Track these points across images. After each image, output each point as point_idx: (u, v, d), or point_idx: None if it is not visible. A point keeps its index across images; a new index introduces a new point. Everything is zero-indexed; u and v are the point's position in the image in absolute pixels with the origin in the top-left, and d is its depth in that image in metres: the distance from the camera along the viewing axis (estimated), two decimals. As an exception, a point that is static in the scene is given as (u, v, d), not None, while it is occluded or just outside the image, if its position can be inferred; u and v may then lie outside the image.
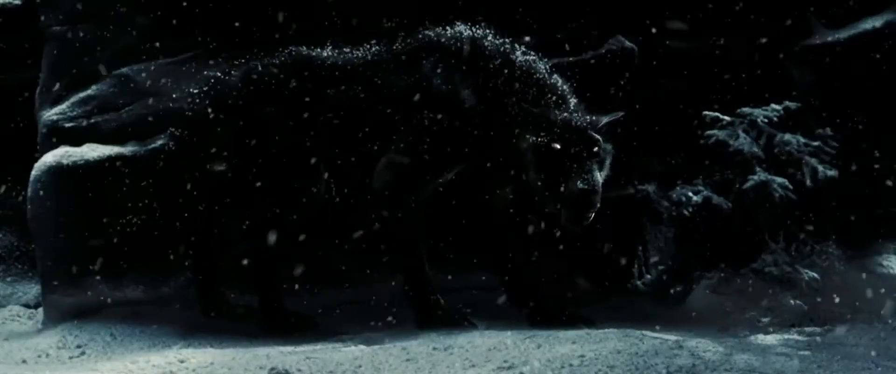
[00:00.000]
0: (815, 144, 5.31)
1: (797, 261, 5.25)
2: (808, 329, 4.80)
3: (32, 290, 6.24)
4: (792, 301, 5.08)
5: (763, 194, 5.23)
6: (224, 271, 5.25)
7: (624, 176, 5.38)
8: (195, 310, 5.21)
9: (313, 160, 4.99)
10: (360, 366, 4.06)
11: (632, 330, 4.39)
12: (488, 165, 4.82)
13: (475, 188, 4.92)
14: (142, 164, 5.39)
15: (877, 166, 5.71)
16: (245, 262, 5.11)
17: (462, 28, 4.95)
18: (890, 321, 4.83)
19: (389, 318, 5.02)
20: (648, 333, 4.36)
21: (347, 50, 5.13)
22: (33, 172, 5.45)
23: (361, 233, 5.25)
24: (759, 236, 5.31)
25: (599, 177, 4.55)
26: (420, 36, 5.01)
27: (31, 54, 6.14)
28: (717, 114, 5.38)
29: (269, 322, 5.06)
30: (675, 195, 5.44)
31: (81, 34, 5.66)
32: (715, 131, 5.36)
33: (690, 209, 5.36)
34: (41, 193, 5.38)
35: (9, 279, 6.46)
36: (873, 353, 4.18)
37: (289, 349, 4.49)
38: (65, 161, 5.40)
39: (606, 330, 4.45)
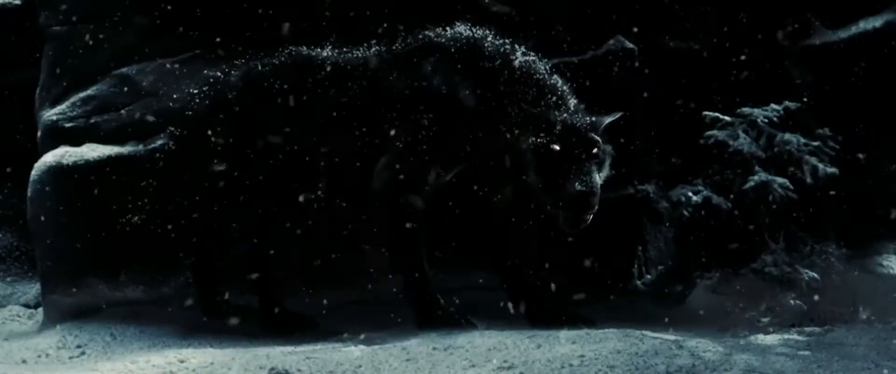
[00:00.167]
0: (815, 143, 5.31)
1: (797, 261, 5.25)
2: (808, 329, 4.80)
3: (32, 290, 6.24)
4: (792, 301, 5.08)
5: (763, 194, 5.23)
6: (224, 271, 5.25)
7: (624, 176, 5.37)
8: (195, 310, 5.21)
9: (313, 160, 4.99)
10: (360, 366, 4.07)
11: (632, 330, 4.39)
12: (488, 165, 4.81)
13: (475, 188, 4.91)
14: (142, 164, 5.39)
15: (877, 167, 5.70)
16: (245, 262, 5.12)
17: (462, 29, 4.95)
18: (890, 321, 4.83)
19: (389, 318, 5.01)
20: (648, 333, 4.36)
21: (347, 50, 5.14)
22: (33, 173, 5.46)
23: (361, 233, 5.25)
24: (759, 236, 5.31)
25: (598, 179, 4.54)
26: (420, 36, 5.01)
27: (31, 54, 6.14)
28: (717, 114, 5.38)
29: (269, 322, 5.06)
30: (674, 195, 5.44)
31: (81, 34, 5.66)
32: (715, 131, 5.35)
33: (690, 209, 5.35)
34: (41, 193, 5.39)
35: (9, 279, 6.46)
36: (873, 353, 4.18)
37: (289, 349, 4.49)
38: (65, 161, 5.40)
39: (606, 330, 4.44)
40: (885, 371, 3.87)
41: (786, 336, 4.63)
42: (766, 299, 5.13)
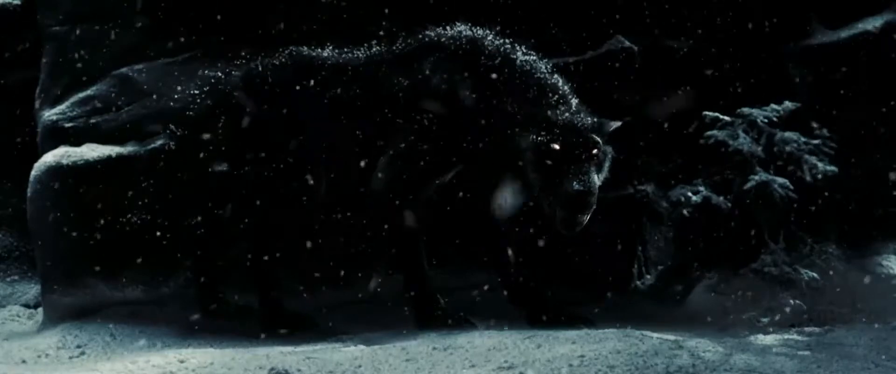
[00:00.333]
0: (815, 141, 5.31)
1: (797, 261, 5.25)
2: (807, 329, 4.80)
3: (32, 290, 6.24)
4: (792, 301, 5.07)
5: (763, 193, 5.23)
6: (224, 271, 5.25)
7: (624, 176, 5.37)
8: (195, 310, 5.21)
9: (313, 160, 5.00)
10: (360, 366, 4.07)
11: (632, 330, 4.39)
12: (488, 165, 4.81)
13: (475, 188, 4.91)
14: (141, 164, 5.39)
15: (877, 166, 5.70)
16: (245, 262, 5.12)
17: (462, 28, 4.95)
18: (890, 321, 4.83)
19: (389, 318, 5.01)
20: (648, 333, 4.36)
21: (348, 50, 5.14)
22: (33, 172, 5.46)
23: (361, 233, 5.25)
24: (759, 236, 5.31)
25: (596, 179, 4.53)
26: (420, 36, 5.01)
27: (31, 54, 6.14)
28: (716, 114, 5.37)
29: (269, 322, 5.06)
30: (674, 195, 5.43)
31: (81, 34, 5.67)
32: (715, 132, 5.35)
33: (690, 209, 5.35)
34: (41, 193, 5.38)
35: (9, 279, 6.46)
36: (873, 353, 4.18)
37: (289, 349, 4.50)
38: (65, 161, 5.40)
39: (606, 330, 4.44)
40: (886, 371, 3.88)
41: (785, 336, 4.63)
42: (766, 299, 5.13)
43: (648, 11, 5.72)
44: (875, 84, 5.74)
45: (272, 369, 4.01)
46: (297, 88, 5.03)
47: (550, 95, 4.70)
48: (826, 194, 5.42)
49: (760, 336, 4.63)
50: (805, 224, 5.42)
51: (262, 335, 4.91)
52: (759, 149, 5.30)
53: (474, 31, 4.93)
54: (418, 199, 4.85)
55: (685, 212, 5.37)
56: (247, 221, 5.13)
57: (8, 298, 6.33)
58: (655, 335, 4.34)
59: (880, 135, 5.73)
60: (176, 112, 5.35)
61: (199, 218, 5.21)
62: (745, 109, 5.39)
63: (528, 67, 4.78)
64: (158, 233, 5.29)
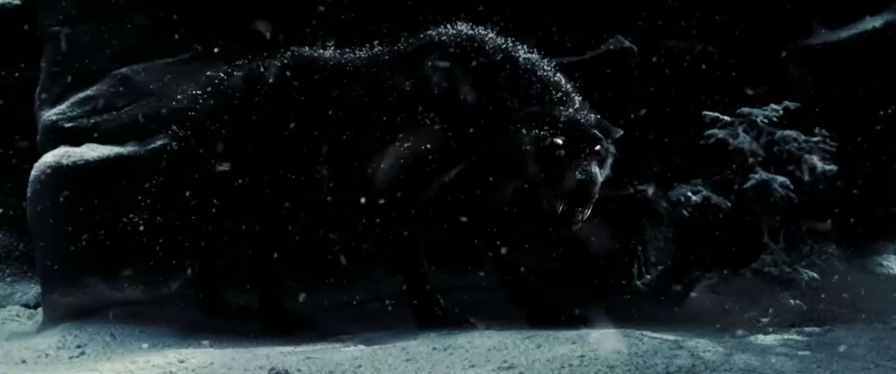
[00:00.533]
0: (816, 139, 5.31)
1: (797, 261, 5.25)
2: (807, 329, 4.80)
3: (32, 290, 6.24)
4: (792, 301, 5.07)
5: (763, 193, 5.23)
6: (224, 271, 5.25)
7: (624, 176, 5.37)
8: (195, 310, 5.21)
9: (314, 161, 5.00)
10: (360, 366, 4.06)
11: (632, 330, 4.39)
12: (490, 164, 4.81)
13: (475, 188, 4.91)
14: (142, 164, 5.39)
15: (877, 166, 5.70)
16: (245, 262, 5.12)
17: (463, 27, 4.95)
18: (890, 321, 4.83)
19: (389, 318, 5.01)
20: (648, 333, 4.36)
21: (349, 50, 5.14)
22: (33, 172, 5.46)
23: (361, 233, 5.25)
24: (759, 236, 5.31)
25: (599, 173, 4.53)
26: (421, 36, 5.01)
27: (31, 54, 6.14)
28: (716, 114, 5.38)
29: (269, 322, 5.07)
30: (674, 195, 5.43)
31: (81, 34, 5.67)
32: (715, 130, 5.35)
33: (690, 209, 5.35)
34: (41, 193, 5.39)
35: (9, 279, 6.46)
36: (873, 353, 4.18)
37: (289, 349, 4.50)
38: (65, 161, 5.40)
39: (606, 330, 4.44)
40: (886, 371, 3.88)
41: (785, 336, 4.63)
42: (766, 299, 5.13)
43: (648, 11, 5.72)
44: (875, 84, 5.74)
45: (272, 369, 4.01)
46: (299, 88, 5.03)
47: (553, 92, 4.71)
48: (826, 193, 5.42)
49: (760, 336, 4.63)
50: (805, 224, 5.42)
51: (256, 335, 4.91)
52: (760, 148, 5.30)
53: (475, 30, 4.93)
54: (420, 198, 4.85)
55: (685, 212, 5.37)
56: (247, 221, 5.13)
57: (8, 298, 6.33)
58: (655, 335, 4.34)
59: (880, 135, 5.73)
60: (176, 112, 5.35)
61: (200, 218, 5.21)
62: (745, 109, 5.39)
63: (531, 65, 4.79)
64: (158, 233, 5.29)
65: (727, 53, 5.76)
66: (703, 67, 5.72)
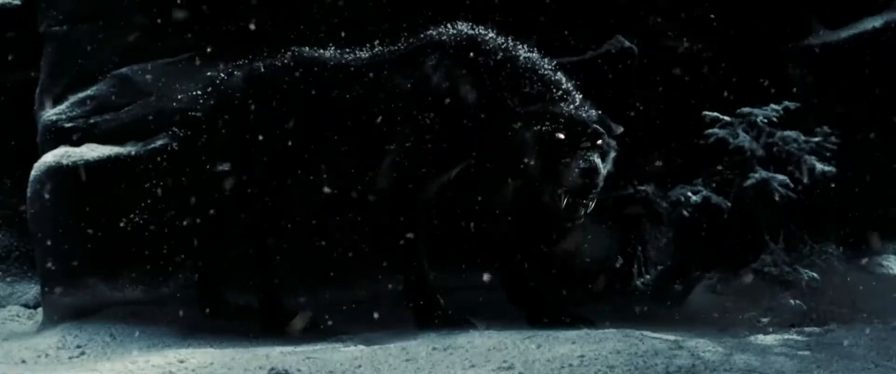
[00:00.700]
0: (815, 140, 5.31)
1: (797, 261, 5.25)
2: (807, 329, 4.80)
3: (32, 290, 6.24)
4: (792, 301, 5.07)
5: (763, 192, 5.23)
6: (224, 271, 5.25)
7: (624, 176, 5.37)
8: (195, 310, 5.21)
9: (315, 161, 5.00)
10: (360, 366, 4.06)
11: (632, 330, 4.39)
12: (490, 163, 4.81)
13: (475, 188, 4.91)
14: (141, 164, 5.39)
15: (877, 166, 5.70)
16: (245, 262, 5.12)
17: (463, 27, 4.95)
18: (890, 321, 4.83)
19: (389, 318, 5.01)
20: (648, 333, 4.36)
21: (350, 50, 5.14)
22: (33, 172, 5.45)
23: (361, 233, 5.25)
24: (758, 236, 5.31)
25: (601, 165, 4.53)
26: (421, 36, 5.02)
27: (31, 54, 6.14)
28: (716, 114, 5.38)
29: (269, 322, 5.06)
30: (674, 195, 5.43)
31: (81, 34, 5.67)
32: (715, 130, 5.35)
33: (690, 209, 5.35)
34: (41, 193, 5.38)
35: (8, 279, 6.46)
36: (873, 353, 4.18)
37: (289, 349, 4.49)
38: (65, 161, 5.40)
39: (606, 330, 4.44)
40: (885, 371, 3.88)
41: (785, 336, 4.63)
42: (766, 299, 5.13)
43: (648, 11, 5.72)
44: (875, 84, 5.74)
45: (272, 369, 4.00)
46: (299, 88, 5.03)
47: (554, 90, 4.71)
48: (826, 194, 5.42)
49: (760, 336, 4.63)
50: (805, 224, 5.42)
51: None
52: (760, 147, 5.30)
53: (475, 29, 4.93)
54: (420, 199, 4.85)
55: (685, 212, 5.37)
56: (248, 221, 5.13)
57: (8, 298, 6.33)
58: (655, 335, 4.34)
59: (880, 135, 5.72)
60: (177, 112, 5.35)
61: (200, 218, 5.21)
62: (745, 109, 5.39)
63: (531, 64, 4.80)
64: (158, 233, 5.29)
65: (727, 53, 5.76)
66: (704, 67, 5.72)
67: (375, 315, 5.10)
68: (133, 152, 5.44)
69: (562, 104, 4.63)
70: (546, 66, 4.82)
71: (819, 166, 5.20)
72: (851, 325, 4.83)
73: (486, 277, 5.11)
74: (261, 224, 5.11)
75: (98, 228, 5.32)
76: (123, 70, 5.60)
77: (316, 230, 5.28)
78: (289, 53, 5.16)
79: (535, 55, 4.85)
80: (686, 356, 3.93)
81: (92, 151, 5.45)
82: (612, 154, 4.68)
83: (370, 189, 4.94)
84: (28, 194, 5.46)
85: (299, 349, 4.49)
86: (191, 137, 5.23)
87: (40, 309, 5.65)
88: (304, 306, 5.24)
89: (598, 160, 4.49)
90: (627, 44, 5.61)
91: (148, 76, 5.56)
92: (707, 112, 5.40)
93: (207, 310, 5.18)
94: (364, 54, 5.11)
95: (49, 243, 5.37)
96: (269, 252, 5.12)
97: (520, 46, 4.86)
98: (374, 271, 5.37)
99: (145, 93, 5.55)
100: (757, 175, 5.24)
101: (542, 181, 4.60)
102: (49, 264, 5.38)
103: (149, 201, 5.32)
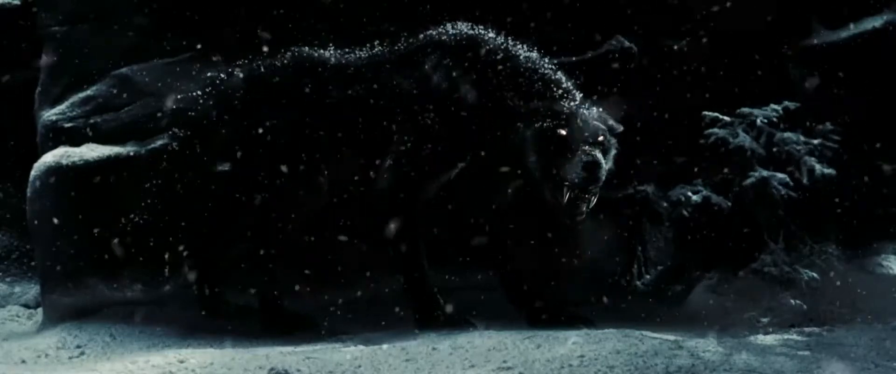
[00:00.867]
0: (816, 141, 5.31)
1: (797, 261, 5.24)
2: (807, 329, 4.80)
3: (32, 290, 6.24)
4: (792, 301, 5.07)
5: (763, 191, 5.22)
6: (224, 271, 5.25)
7: (624, 176, 5.37)
8: (195, 310, 5.21)
9: (315, 161, 5.00)
10: (360, 366, 4.06)
11: (632, 330, 4.39)
12: (491, 163, 4.82)
13: (475, 188, 4.91)
14: (141, 164, 5.39)
15: (877, 167, 5.70)
16: (245, 262, 5.12)
17: (463, 27, 4.96)
18: (890, 321, 4.83)
19: (389, 318, 5.01)
20: (648, 333, 4.36)
21: (350, 50, 5.14)
22: (33, 173, 5.45)
23: (361, 233, 5.25)
24: (758, 236, 5.30)
25: (603, 161, 4.53)
26: (421, 36, 5.02)
27: (31, 54, 6.14)
28: (716, 114, 5.38)
29: (269, 322, 5.06)
30: (674, 195, 5.43)
31: (81, 34, 5.66)
32: (715, 129, 5.35)
33: (690, 209, 5.35)
34: (41, 193, 5.38)
35: (8, 279, 6.46)
36: (873, 353, 4.18)
37: (289, 349, 4.50)
38: (64, 161, 5.40)
39: (606, 330, 4.44)
40: (885, 371, 3.87)
41: (785, 336, 4.63)
42: (766, 299, 5.13)
43: (648, 11, 5.72)
44: (875, 84, 5.73)
45: (272, 369, 4.00)
46: (300, 88, 5.03)
47: (555, 89, 4.73)
48: (826, 193, 5.41)
49: (760, 336, 4.63)
50: (805, 224, 5.41)
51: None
52: (760, 147, 5.30)
53: (476, 29, 4.94)
54: (420, 199, 4.85)
55: (685, 212, 5.37)
56: (248, 221, 5.13)
57: (8, 298, 6.33)
58: (655, 335, 4.34)
59: (880, 135, 5.72)
60: (177, 112, 5.35)
61: (200, 218, 5.20)
62: (745, 109, 5.39)
63: (531, 64, 4.81)
64: (158, 233, 5.29)
65: (727, 53, 5.76)
66: (703, 67, 5.72)
67: (375, 315, 5.10)
68: (133, 152, 5.44)
69: (562, 102, 4.64)
70: (546, 65, 4.84)
71: (819, 168, 5.19)
72: (851, 325, 4.83)
73: (485, 277, 5.11)
74: (261, 224, 5.11)
75: (98, 228, 5.32)
76: (123, 70, 5.60)
77: (316, 230, 5.27)
78: (289, 53, 5.16)
79: (535, 55, 4.86)
80: (686, 356, 3.93)
81: (92, 151, 5.45)
82: (613, 152, 4.69)
83: (370, 189, 4.94)
84: (28, 195, 5.46)
85: (299, 349, 4.50)
86: (191, 137, 5.23)
87: (40, 309, 5.65)
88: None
89: (599, 155, 4.50)
90: (627, 44, 5.61)
91: (148, 76, 5.56)
92: (707, 112, 5.39)
93: (207, 310, 5.19)
94: (364, 54, 5.11)
95: (49, 243, 5.37)
96: (269, 252, 5.12)
97: (520, 46, 4.87)
98: (374, 271, 5.37)
99: (145, 93, 5.55)
100: (756, 174, 5.23)
101: (543, 179, 4.60)
102: (49, 264, 5.38)
103: (149, 201, 5.32)
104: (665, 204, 5.52)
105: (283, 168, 5.00)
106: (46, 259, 5.40)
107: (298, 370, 4.01)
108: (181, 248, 5.27)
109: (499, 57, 4.81)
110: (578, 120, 4.56)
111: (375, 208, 4.96)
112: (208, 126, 5.16)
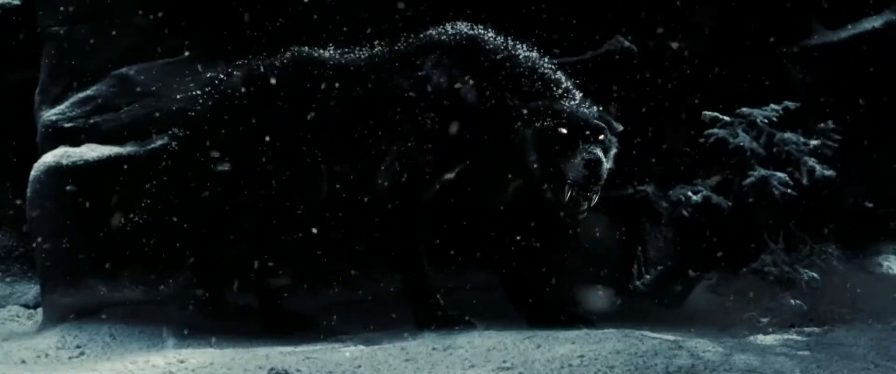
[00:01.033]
0: (816, 141, 5.31)
1: (797, 261, 5.24)
2: (807, 329, 4.80)
3: (32, 290, 6.24)
4: (792, 301, 5.07)
5: (763, 191, 5.22)
6: (224, 271, 5.25)
7: (624, 176, 5.37)
8: (195, 310, 5.21)
9: (315, 161, 5.00)
10: (360, 366, 4.07)
11: (631, 330, 4.39)
12: (491, 163, 4.82)
13: (475, 188, 4.92)
14: (141, 164, 5.39)
15: (877, 167, 5.70)
16: (245, 262, 5.12)
17: (463, 27, 4.96)
18: (890, 321, 4.83)
19: (389, 318, 5.01)
20: (648, 333, 4.36)
21: (349, 50, 5.14)
22: (33, 172, 5.46)
23: (361, 233, 5.25)
24: (759, 236, 5.30)
25: (604, 159, 4.53)
26: (421, 35, 5.02)
27: (31, 54, 6.14)
28: (716, 114, 5.38)
29: (269, 322, 5.07)
30: (674, 195, 5.43)
31: (81, 34, 5.67)
32: (715, 129, 5.35)
33: (690, 209, 5.35)
34: (41, 193, 5.38)
35: (8, 279, 6.46)
36: (873, 353, 4.18)
37: (289, 349, 4.50)
38: (64, 161, 5.40)
39: (606, 330, 4.45)
40: (885, 371, 3.87)
41: (785, 336, 4.63)
42: (766, 299, 5.13)
43: (648, 11, 5.72)
44: (875, 84, 5.74)
45: (272, 369, 4.01)
46: (299, 88, 5.03)
47: (554, 88, 4.72)
48: (826, 193, 5.41)
49: (760, 336, 4.63)
50: (805, 224, 5.41)
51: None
52: (760, 147, 5.30)
53: (475, 29, 4.94)
54: (420, 199, 4.85)
55: (685, 212, 5.37)
56: (248, 221, 5.13)
57: (8, 298, 6.33)
58: (655, 335, 4.34)
59: (880, 135, 5.72)
60: (177, 112, 5.36)
61: (200, 218, 5.21)
62: (745, 109, 5.39)
63: (531, 64, 4.81)
64: (158, 233, 5.29)
65: (727, 53, 5.76)
66: (703, 67, 5.72)
67: (375, 315, 5.10)
68: (133, 152, 5.44)
69: (563, 101, 4.64)
70: (546, 65, 4.84)
71: (819, 168, 5.19)
72: (851, 325, 4.83)
73: (485, 277, 5.11)
74: (260, 224, 5.11)
75: (98, 228, 5.33)
76: (123, 70, 5.60)
77: (316, 230, 5.27)
78: (288, 53, 5.17)
79: (535, 55, 4.86)
80: (686, 356, 3.93)
81: (92, 151, 5.45)
82: (614, 151, 4.69)
83: (370, 189, 4.94)
84: (28, 195, 5.46)
85: (299, 349, 4.50)
86: (191, 137, 5.23)
87: (40, 309, 5.65)
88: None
89: (600, 153, 4.50)
90: (627, 44, 5.61)
91: (148, 76, 5.56)
92: (707, 112, 5.40)
93: (207, 310, 5.19)
94: (364, 54, 5.11)
95: (49, 243, 5.37)
96: (268, 252, 5.12)
97: (520, 46, 4.87)
98: (374, 271, 5.37)
99: (145, 93, 5.55)
100: (756, 173, 5.23)
101: (544, 178, 4.60)
102: (49, 264, 5.38)
103: (149, 201, 5.32)
104: (665, 204, 5.52)
105: (283, 168, 5.00)
106: (46, 259, 5.40)
107: (298, 370, 4.01)
108: (181, 248, 5.27)
109: (498, 57, 4.81)
110: (579, 118, 4.56)
111: (375, 208, 4.96)
112: (208, 126, 5.16)
